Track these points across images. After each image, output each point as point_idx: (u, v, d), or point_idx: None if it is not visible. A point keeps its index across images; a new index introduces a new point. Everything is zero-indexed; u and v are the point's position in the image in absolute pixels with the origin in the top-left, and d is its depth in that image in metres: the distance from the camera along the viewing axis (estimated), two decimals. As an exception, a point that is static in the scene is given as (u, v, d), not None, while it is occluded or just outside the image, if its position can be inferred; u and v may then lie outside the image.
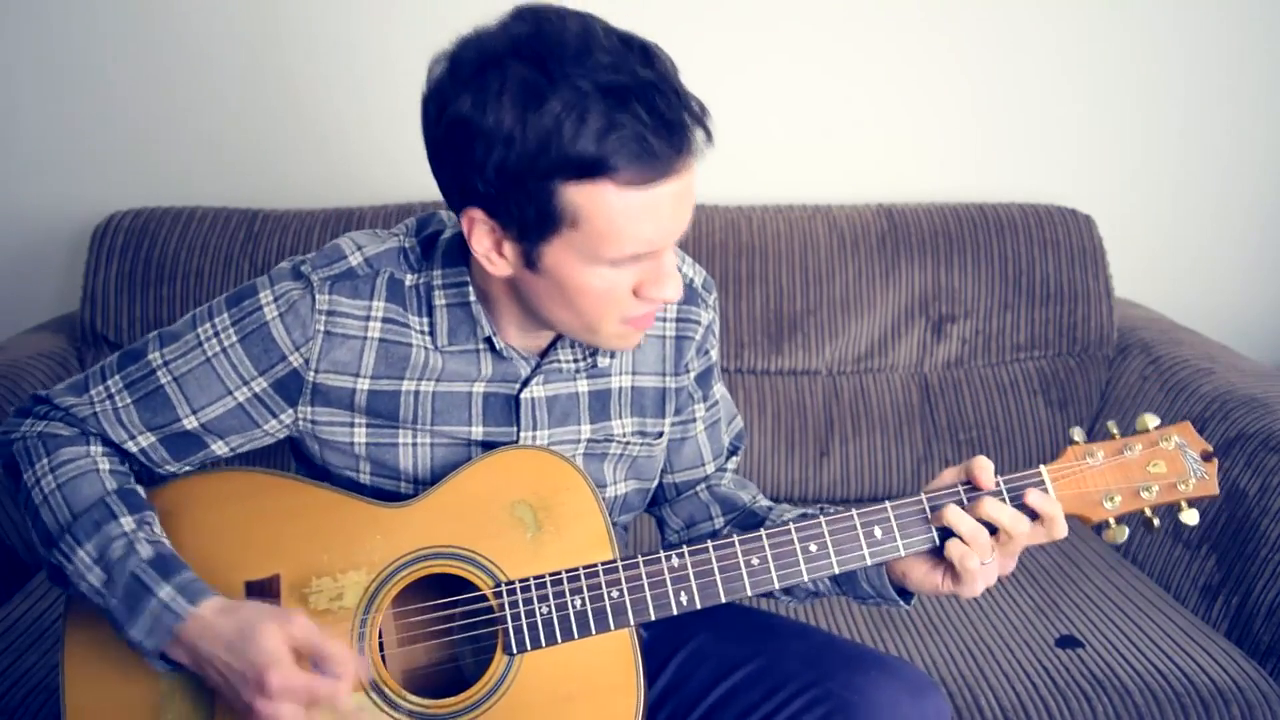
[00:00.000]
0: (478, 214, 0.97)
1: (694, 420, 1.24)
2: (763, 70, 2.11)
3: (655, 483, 1.24)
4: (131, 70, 2.06)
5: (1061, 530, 1.05)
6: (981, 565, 1.03)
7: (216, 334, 1.06)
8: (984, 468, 1.05)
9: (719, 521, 1.25)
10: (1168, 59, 2.15)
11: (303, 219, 1.95)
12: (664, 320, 1.18)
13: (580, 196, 0.92)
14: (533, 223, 0.94)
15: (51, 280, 2.16)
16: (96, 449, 1.06)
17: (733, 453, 1.29)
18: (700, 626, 1.17)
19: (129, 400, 1.06)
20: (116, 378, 1.07)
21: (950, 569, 1.05)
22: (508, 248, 0.98)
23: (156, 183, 2.09)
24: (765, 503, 1.25)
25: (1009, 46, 2.13)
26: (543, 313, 1.03)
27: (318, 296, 1.05)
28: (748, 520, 1.23)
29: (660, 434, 1.20)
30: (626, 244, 0.95)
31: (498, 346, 1.09)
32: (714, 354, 1.24)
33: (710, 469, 1.26)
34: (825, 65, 2.12)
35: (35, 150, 2.09)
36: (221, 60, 2.06)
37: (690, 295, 1.19)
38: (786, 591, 1.15)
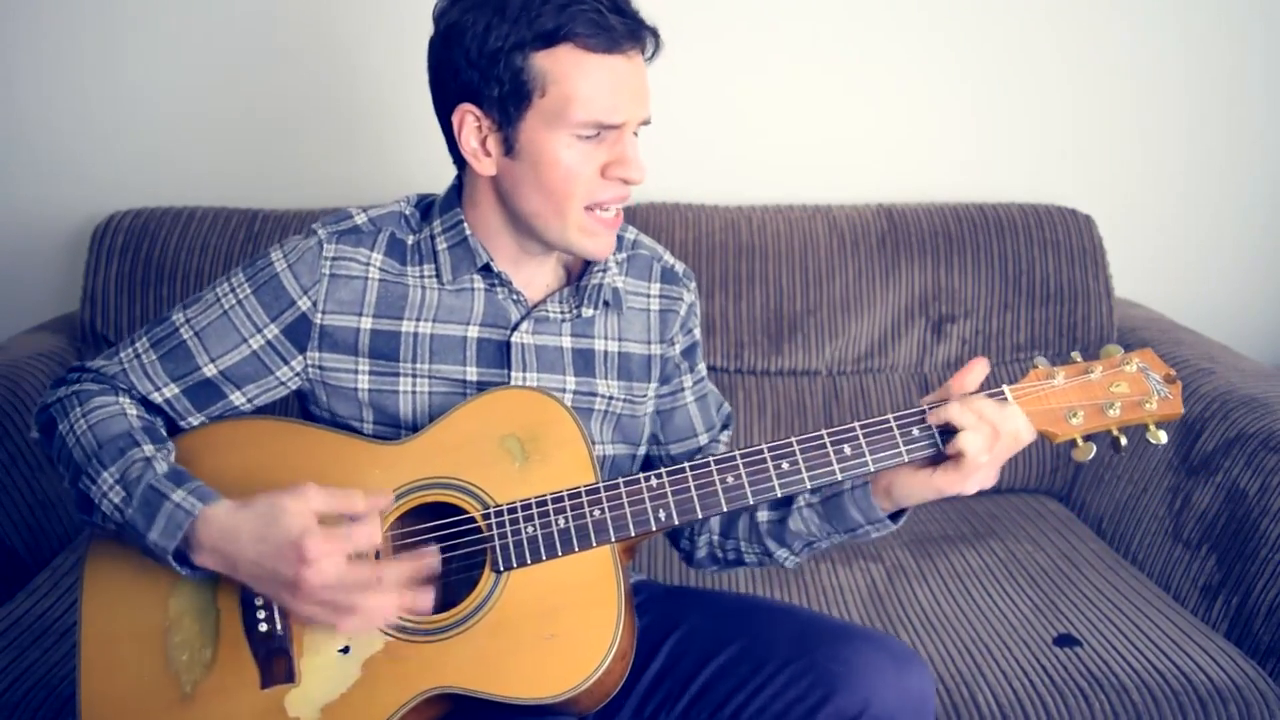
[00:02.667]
0: (466, 106, 1.11)
1: (683, 390, 1.33)
2: (763, 70, 2.12)
3: (642, 449, 1.31)
4: (132, 70, 2.06)
5: (1022, 425, 1.07)
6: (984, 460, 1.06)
7: (233, 289, 1.17)
8: (973, 370, 1.09)
9: None
10: (1168, 59, 2.15)
11: (303, 219, 1.95)
12: (648, 296, 1.29)
13: (546, 61, 1.07)
14: (509, 96, 1.09)
15: (51, 280, 2.16)
16: (125, 399, 1.14)
17: (724, 427, 1.37)
18: (691, 611, 1.23)
19: (154, 356, 1.16)
20: (144, 339, 1.18)
21: (949, 464, 1.07)
22: (491, 141, 1.12)
23: (156, 183, 2.09)
24: None
25: (1009, 47, 2.13)
26: (521, 206, 1.14)
27: (325, 246, 1.17)
28: None
29: (645, 395, 1.28)
30: (587, 106, 1.08)
31: (494, 270, 1.18)
32: (696, 333, 1.34)
33: (704, 439, 1.34)
34: (826, 65, 2.12)
35: (35, 150, 2.09)
36: (222, 60, 2.07)
37: (672, 277, 1.31)
38: (783, 543, 1.21)
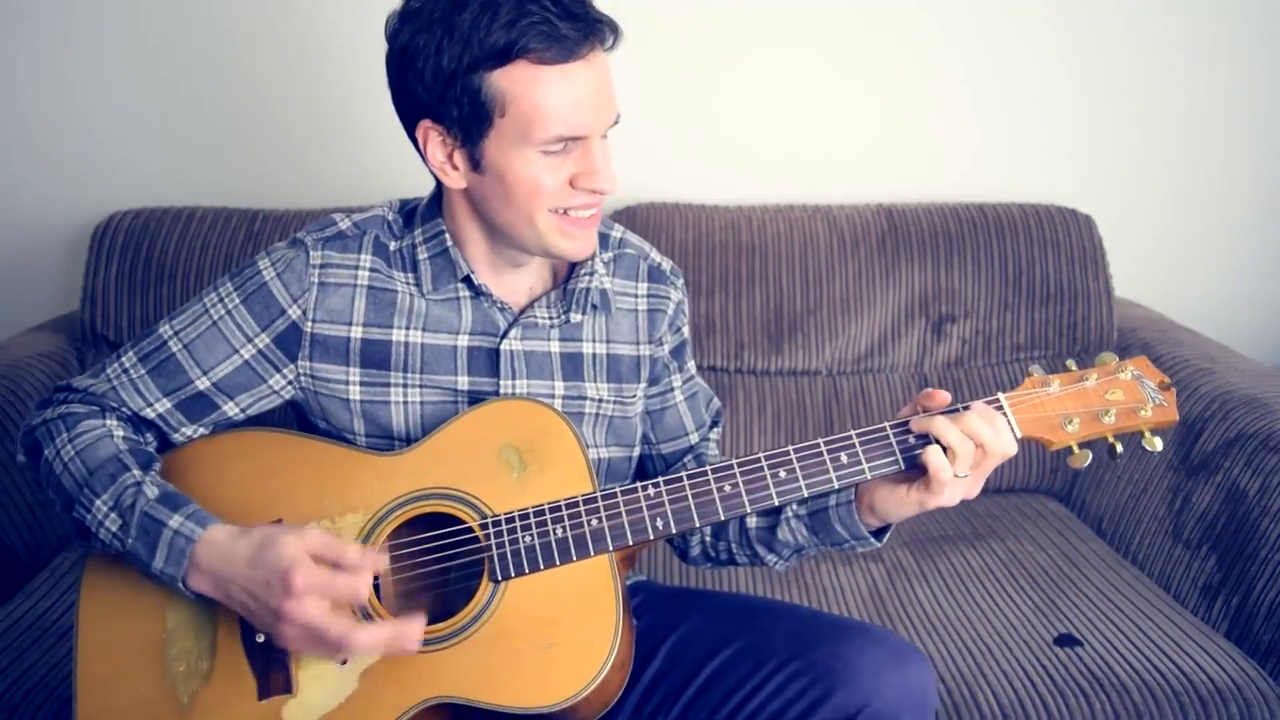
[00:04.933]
0: (427, 123, 1.11)
1: (672, 390, 1.33)
2: (763, 70, 2.12)
3: (636, 450, 1.31)
4: (131, 70, 2.06)
5: (1009, 443, 1.07)
6: (956, 478, 1.06)
7: (221, 300, 1.17)
8: (938, 395, 1.10)
9: None
10: (1168, 59, 2.15)
11: (302, 219, 1.95)
12: (636, 296, 1.29)
13: (503, 80, 1.06)
14: (470, 118, 1.07)
15: (51, 280, 2.16)
16: (112, 421, 1.14)
17: (714, 425, 1.38)
18: (691, 611, 1.23)
19: (144, 371, 1.16)
20: (131, 354, 1.17)
21: (922, 481, 1.08)
22: (458, 156, 1.11)
23: (156, 183, 2.09)
24: None
25: (1009, 46, 2.13)
26: (494, 219, 1.14)
27: (311, 253, 1.17)
28: None
29: (635, 396, 1.28)
30: (550, 122, 1.06)
31: (476, 283, 1.18)
32: (685, 332, 1.34)
33: (694, 439, 1.34)
34: (825, 65, 2.12)
35: (35, 150, 2.09)
36: (222, 61, 2.07)
37: (659, 276, 1.31)
38: (771, 549, 1.22)
